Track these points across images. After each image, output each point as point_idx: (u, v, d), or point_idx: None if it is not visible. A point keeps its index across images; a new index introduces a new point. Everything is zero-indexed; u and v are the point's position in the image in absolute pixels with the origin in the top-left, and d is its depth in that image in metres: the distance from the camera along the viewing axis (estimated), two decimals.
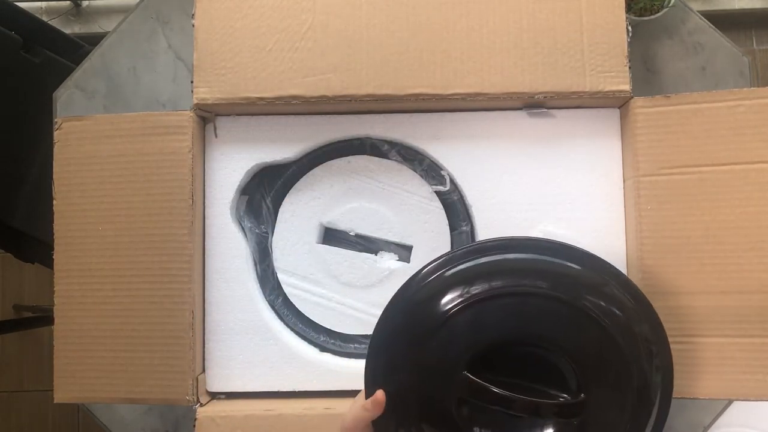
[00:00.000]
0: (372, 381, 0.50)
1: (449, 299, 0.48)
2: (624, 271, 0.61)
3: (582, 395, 0.47)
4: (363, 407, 0.48)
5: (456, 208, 0.63)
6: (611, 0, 0.58)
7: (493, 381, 0.46)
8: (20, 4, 0.99)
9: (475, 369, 0.47)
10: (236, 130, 0.63)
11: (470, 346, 0.47)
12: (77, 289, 0.58)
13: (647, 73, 0.71)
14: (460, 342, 0.48)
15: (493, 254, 0.50)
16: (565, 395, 0.47)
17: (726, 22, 1.48)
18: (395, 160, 0.63)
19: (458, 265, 0.50)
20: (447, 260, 0.50)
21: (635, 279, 0.58)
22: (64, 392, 0.58)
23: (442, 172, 0.62)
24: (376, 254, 0.63)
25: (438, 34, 0.58)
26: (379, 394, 0.48)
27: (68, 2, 1.45)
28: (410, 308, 0.50)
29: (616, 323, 0.48)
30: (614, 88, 0.57)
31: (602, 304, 0.48)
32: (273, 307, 0.63)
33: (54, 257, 0.59)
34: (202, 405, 0.58)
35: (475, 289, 0.48)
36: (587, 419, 0.47)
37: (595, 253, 0.50)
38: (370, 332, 0.61)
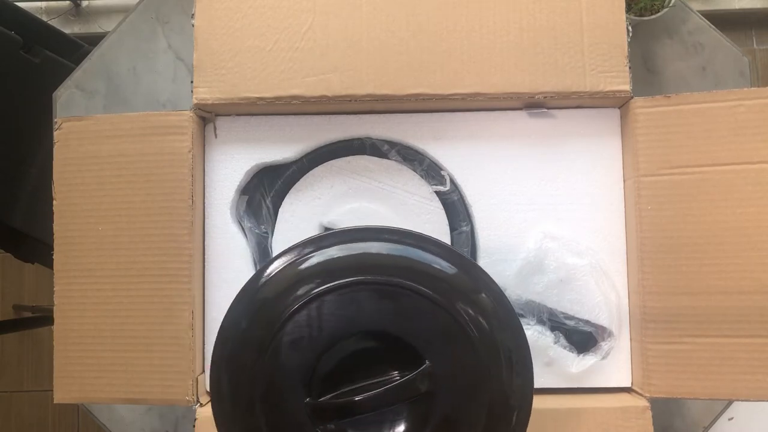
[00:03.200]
0: (217, 421, 0.47)
1: (277, 308, 0.45)
2: (624, 270, 0.61)
3: (426, 363, 0.44)
4: None
5: (456, 208, 0.63)
6: (611, 0, 0.58)
7: (338, 395, 0.44)
8: (20, 4, 0.99)
9: (318, 391, 0.44)
10: (236, 130, 0.63)
11: (305, 365, 0.44)
12: (77, 289, 0.58)
13: (647, 73, 0.71)
14: (295, 365, 0.44)
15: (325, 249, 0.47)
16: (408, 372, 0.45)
17: (726, 22, 1.48)
18: (395, 160, 0.63)
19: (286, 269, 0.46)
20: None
21: (635, 279, 0.58)
22: (64, 392, 0.58)
23: (442, 172, 0.62)
24: None
25: (438, 34, 0.58)
26: None
27: (68, 2, 1.45)
28: (243, 333, 0.46)
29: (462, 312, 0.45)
30: (614, 88, 0.57)
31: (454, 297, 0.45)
32: None
33: (54, 257, 0.59)
34: (201, 405, 0.58)
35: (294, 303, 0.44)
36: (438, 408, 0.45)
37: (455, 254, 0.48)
38: None
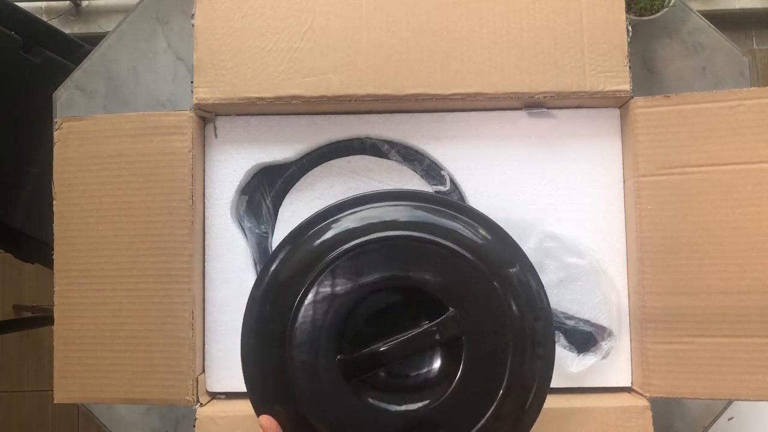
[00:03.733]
0: (256, 402, 0.49)
1: (298, 283, 0.47)
2: (624, 270, 0.61)
3: (450, 310, 0.47)
4: None
5: None
6: (611, 0, 0.58)
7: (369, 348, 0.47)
8: (20, 4, 0.98)
9: (348, 346, 0.47)
10: (236, 130, 0.63)
11: (334, 323, 0.47)
12: (77, 289, 0.58)
13: (647, 73, 0.71)
14: (324, 326, 0.47)
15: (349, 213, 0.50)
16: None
17: (726, 22, 1.48)
18: (395, 160, 0.63)
19: (314, 232, 0.49)
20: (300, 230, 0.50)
21: (635, 279, 0.58)
22: (63, 392, 0.58)
23: (442, 172, 0.62)
24: None
25: (438, 34, 0.58)
26: (263, 421, 0.46)
27: (68, 2, 1.45)
28: (264, 304, 0.49)
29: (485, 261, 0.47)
30: (614, 88, 0.57)
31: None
32: None
33: (54, 257, 0.59)
34: (202, 405, 0.58)
35: (321, 264, 0.47)
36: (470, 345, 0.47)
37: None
38: None
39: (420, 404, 0.47)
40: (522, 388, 0.48)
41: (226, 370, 0.61)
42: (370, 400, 0.47)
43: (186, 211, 0.58)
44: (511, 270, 0.48)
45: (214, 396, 0.61)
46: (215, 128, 0.62)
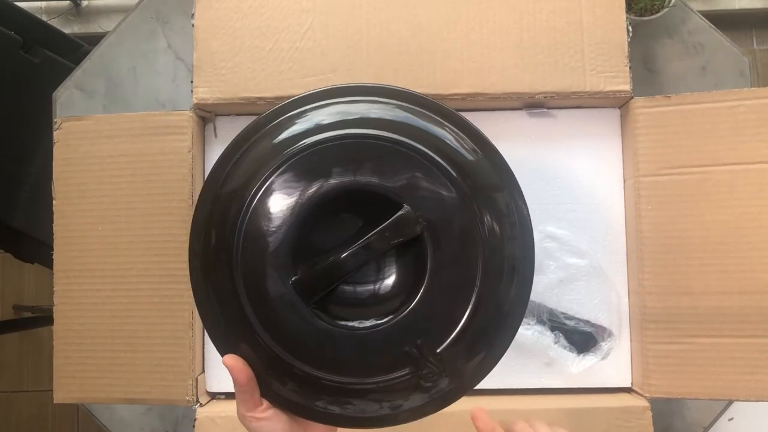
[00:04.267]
0: (219, 345, 0.43)
1: (242, 196, 0.40)
2: (624, 270, 0.61)
3: (405, 207, 0.40)
4: (234, 387, 0.42)
5: None
6: (611, 0, 0.58)
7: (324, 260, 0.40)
8: (20, 4, 0.99)
9: (302, 266, 0.41)
10: (236, 130, 0.62)
11: (285, 243, 0.40)
12: (77, 289, 0.58)
13: (647, 73, 0.71)
14: (274, 247, 0.40)
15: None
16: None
17: (726, 22, 1.48)
18: None
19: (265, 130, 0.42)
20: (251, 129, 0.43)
21: (635, 279, 0.58)
22: (63, 392, 0.58)
23: None
24: None
25: (438, 34, 0.58)
26: (227, 361, 0.41)
27: (68, 2, 1.45)
28: (208, 229, 0.42)
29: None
30: (614, 88, 0.57)
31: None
32: None
33: (54, 257, 0.59)
34: (201, 405, 0.58)
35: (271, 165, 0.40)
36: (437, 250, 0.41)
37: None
38: None
39: (385, 319, 0.41)
40: (495, 309, 0.42)
41: (226, 370, 0.61)
42: (333, 320, 0.41)
43: (186, 211, 0.58)
44: (497, 194, 0.43)
45: (213, 396, 0.61)
46: (215, 128, 0.62)
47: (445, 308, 0.42)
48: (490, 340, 0.43)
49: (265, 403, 0.42)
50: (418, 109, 0.44)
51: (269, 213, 0.40)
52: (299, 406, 0.43)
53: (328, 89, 0.44)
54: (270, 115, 0.44)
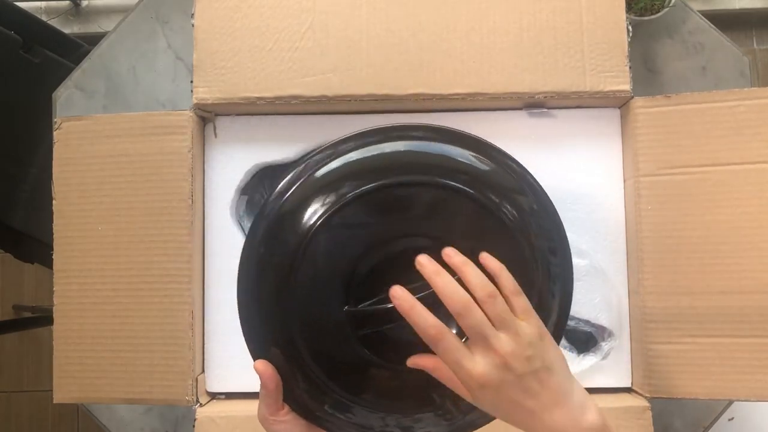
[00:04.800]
0: (253, 347, 0.45)
1: (305, 222, 0.42)
2: (624, 270, 0.61)
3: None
4: (260, 390, 0.43)
5: None
6: (611, 0, 0.58)
7: (376, 302, 0.42)
8: (20, 4, 0.99)
9: (356, 295, 0.42)
10: (236, 130, 0.63)
11: (343, 269, 0.42)
12: (77, 289, 0.58)
13: (647, 73, 0.71)
14: (331, 269, 0.42)
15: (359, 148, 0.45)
16: None
17: (726, 22, 1.48)
18: None
19: (315, 170, 0.44)
20: (303, 168, 0.44)
21: (635, 279, 0.58)
22: (63, 392, 0.58)
23: None
24: None
25: (438, 34, 0.58)
26: (259, 366, 0.43)
27: (68, 2, 1.45)
28: (262, 247, 0.44)
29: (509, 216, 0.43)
30: (614, 88, 0.57)
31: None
32: None
33: (53, 257, 0.59)
34: (201, 405, 0.58)
35: (330, 200, 0.42)
36: None
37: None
38: None
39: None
40: None
41: (226, 370, 0.61)
42: (375, 355, 0.43)
43: (186, 211, 0.58)
44: (521, 197, 0.45)
45: (213, 396, 0.61)
46: (215, 128, 0.62)
47: None
48: None
49: (286, 407, 0.44)
50: (482, 157, 0.46)
51: (336, 239, 0.42)
52: (314, 415, 0.45)
53: (405, 125, 0.47)
54: (340, 143, 0.45)
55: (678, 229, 0.56)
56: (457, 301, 0.37)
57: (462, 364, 0.38)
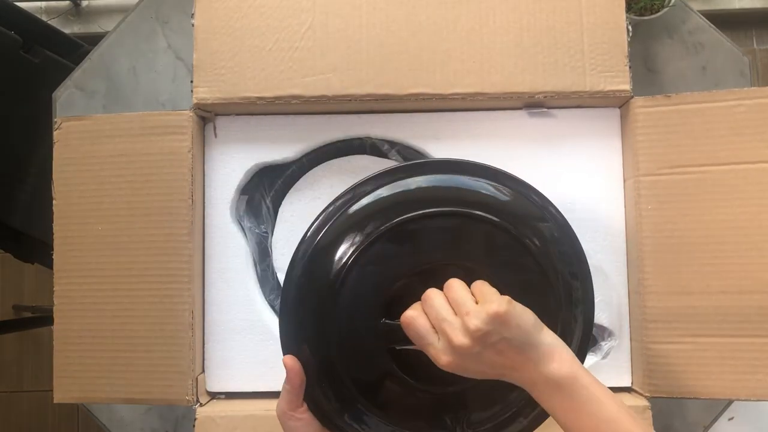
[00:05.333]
0: (285, 341, 0.47)
1: (346, 246, 0.46)
2: (624, 270, 0.61)
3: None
4: (284, 384, 0.46)
5: None
6: (611, 0, 0.58)
7: None
8: (20, 4, 0.99)
9: (392, 311, 0.46)
10: (236, 130, 0.63)
11: (381, 287, 0.46)
12: (77, 289, 0.58)
13: (647, 73, 0.71)
14: (370, 287, 0.46)
15: (398, 180, 0.48)
16: None
17: (726, 21, 1.48)
18: (395, 160, 0.63)
19: (358, 200, 0.48)
20: (348, 198, 0.48)
21: (635, 279, 0.58)
22: (63, 392, 0.58)
23: None
24: None
25: (438, 34, 0.58)
26: (287, 360, 0.45)
27: (68, 2, 1.45)
28: (311, 261, 0.47)
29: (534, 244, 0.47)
30: (614, 87, 0.57)
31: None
32: (273, 307, 0.63)
33: (53, 257, 0.59)
34: (201, 405, 0.58)
35: (370, 228, 0.46)
36: None
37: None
38: None
39: (451, 388, 0.47)
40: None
41: (226, 370, 0.61)
42: (401, 370, 0.46)
43: (186, 211, 0.58)
44: (542, 225, 0.48)
45: (213, 396, 0.61)
46: (215, 128, 0.62)
47: (490, 390, 0.46)
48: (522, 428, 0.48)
49: (305, 405, 0.46)
50: (502, 187, 0.49)
51: (383, 256, 0.46)
52: (331, 422, 0.47)
53: (427, 162, 0.51)
54: (381, 176, 0.48)
55: (678, 229, 0.56)
56: (426, 294, 0.43)
57: (428, 349, 0.42)
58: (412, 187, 0.47)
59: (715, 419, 0.67)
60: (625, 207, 0.61)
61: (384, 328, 0.46)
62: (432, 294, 0.43)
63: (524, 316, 0.42)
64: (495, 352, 0.41)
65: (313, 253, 0.47)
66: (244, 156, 0.62)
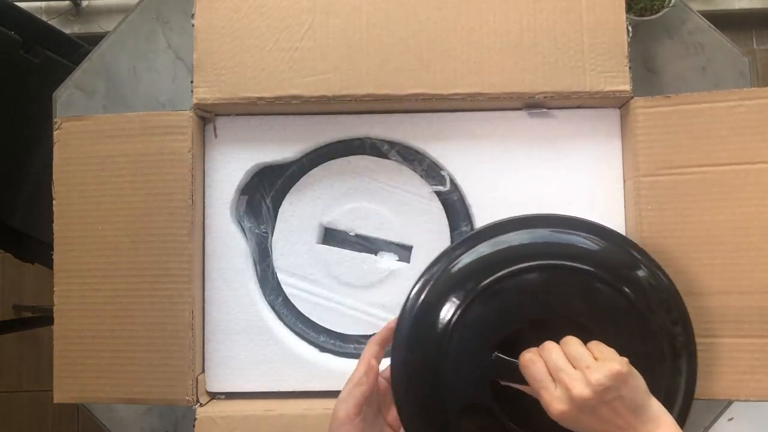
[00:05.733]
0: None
1: (461, 294, 0.49)
2: None
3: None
4: (355, 382, 0.47)
5: (456, 208, 0.63)
6: (611, 0, 0.58)
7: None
8: (20, 4, 0.99)
9: (503, 352, 0.48)
10: (236, 130, 0.63)
11: (493, 332, 0.48)
12: (77, 289, 0.58)
13: (647, 73, 0.71)
14: (486, 324, 0.48)
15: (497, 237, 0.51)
16: None
17: (726, 22, 1.48)
18: (395, 160, 0.63)
19: (462, 255, 0.51)
20: (450, 253, 0.51)
21: None
22: (63, 392, 0.58)
23: (442, 172, 0.62)
24: (376, 254, 0.63)
25: (438, 34, 0.58)
26: (374, 364, 0.48)
27: (68, 2, 1.45)
28: (425, 304, 0.50)
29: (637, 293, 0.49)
30: (614, 88, 0.57)
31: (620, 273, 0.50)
32: (273, 307, 0.63)
33: (54, 257, 0.59)
34: (201, 405, 0.58)
35: (482, 280, 0.49)
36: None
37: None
38: (370, 332, 0.61)
39: None
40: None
41: (226, 370, 0.61)
42: (500, 409, 0.48)
43: (186, 211, 0.58)
44: (638, 273, 0.50)
45: (213, 396, 0.61)
46: (215, 128, 0.62)
47: None
48: None
49: (363, 414, 0.47)
50: (596, 238, 0.52)
51: (495, 301, 0.49)
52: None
53: (521, 218, 0.53)
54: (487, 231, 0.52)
55: (678, 229, 0.56)
56: (545, 344, 0.45)
57: (542, 393, 0.44)
58: (515, 244, 0.51)
59: (715, 419, 0.67)
60: (625, 207, 0.61)
61: (498, 361, 0.47)
62: (551, 345, 0.45)
63: (639, 379, 0.44)
64: (609, 409, 0.42)
65: (429, 295, 0.50)
66: (244, 156, 0.62)
